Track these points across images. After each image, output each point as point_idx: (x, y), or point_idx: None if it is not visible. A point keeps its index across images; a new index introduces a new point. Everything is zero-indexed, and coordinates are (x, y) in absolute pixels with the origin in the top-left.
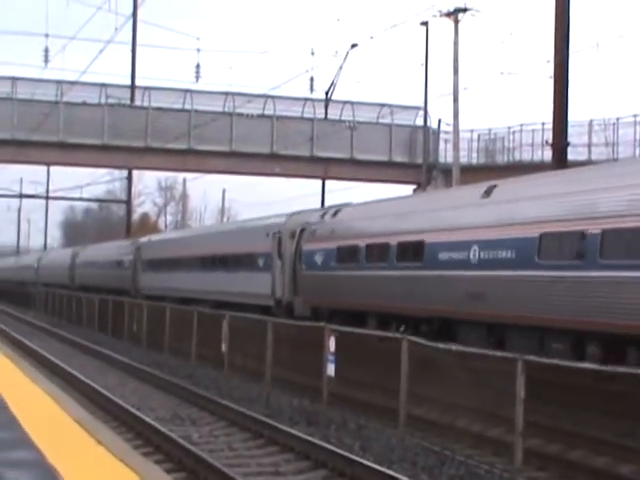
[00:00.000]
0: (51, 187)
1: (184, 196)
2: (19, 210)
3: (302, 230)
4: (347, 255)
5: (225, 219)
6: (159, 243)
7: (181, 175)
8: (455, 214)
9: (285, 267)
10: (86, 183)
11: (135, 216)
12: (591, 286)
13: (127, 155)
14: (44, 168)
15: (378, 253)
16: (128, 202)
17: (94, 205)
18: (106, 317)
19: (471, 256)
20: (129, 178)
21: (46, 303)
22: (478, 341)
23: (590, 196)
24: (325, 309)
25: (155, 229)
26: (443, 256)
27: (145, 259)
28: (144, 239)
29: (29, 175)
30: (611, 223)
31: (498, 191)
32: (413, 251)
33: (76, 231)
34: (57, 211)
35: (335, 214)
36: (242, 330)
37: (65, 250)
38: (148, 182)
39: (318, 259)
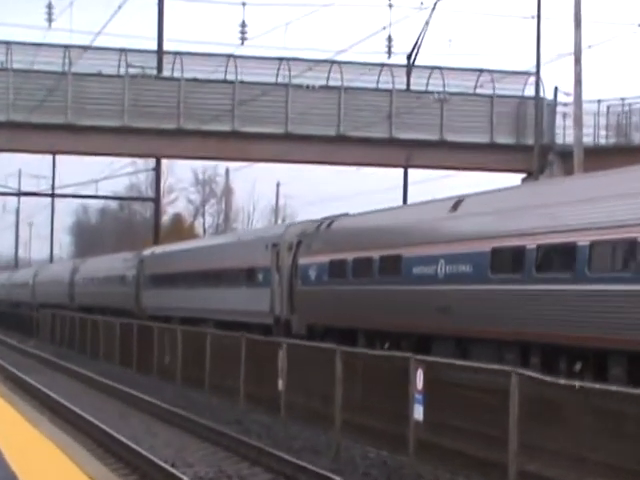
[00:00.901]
0: (58, 182)
1: (227, 191)
2: (17, 211)
3: (299, 242)
4: (338, 269)
5: (280, 220)
6: (162, 256)
7: (223, 165)
8: (426, 228)
9: (283, 282)
10: (103, 176)
11: (165, 218)
12: (528, 299)
13: (154, 140)
14: (49, 158)
15: (363, 267)
16: (156, 200)
17: (113, 204)
18: (130, 346)
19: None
20: (157, 170)
21: (52, 329)
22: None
23: (530, 212)
24: (320, 327)
25: (191, 233)
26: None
27: (148, 274)
28: (147, 251)
29: (30, 167)
30: (546, 238)
31: (464, 205)
32: (392, 265)
33: (90, 237)
34: (66, 212)
35: (329, 225)
36: (302, 361)
37: (64, 264)
38: (181, 174)
39: (312, 273)
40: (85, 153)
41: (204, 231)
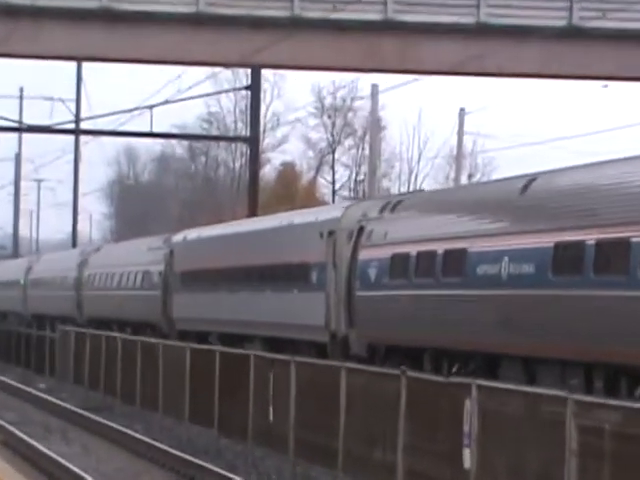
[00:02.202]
0: (85, 111)
1: (373, 125)
2: (17, 159)
3: (360, 229)
4: (400, 268)
5: (464, 177)
6: (195, 244)
7: (367, 80)
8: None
9: (339, 284)
10: (163, 100)
11: (268, 170)
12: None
13: (247, 37)
14: (69, 68)
15: (426, 266)
16: (254, 140)
17: (177, 149)
18: (208, 391)
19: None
20: (253, 87)
21: (76, 359)
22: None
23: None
24: (381, 346)
25: (309, 197)
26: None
27: (178, 271)
28: (178, 236)
29: (37, 85)
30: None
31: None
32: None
33: (140, 205)
34: (100, 162)
35: (395, 206)
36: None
37: (69, 254)
38: (295, 97)
39: (372, 273)
40: (131, 59)
41: (333, 193)
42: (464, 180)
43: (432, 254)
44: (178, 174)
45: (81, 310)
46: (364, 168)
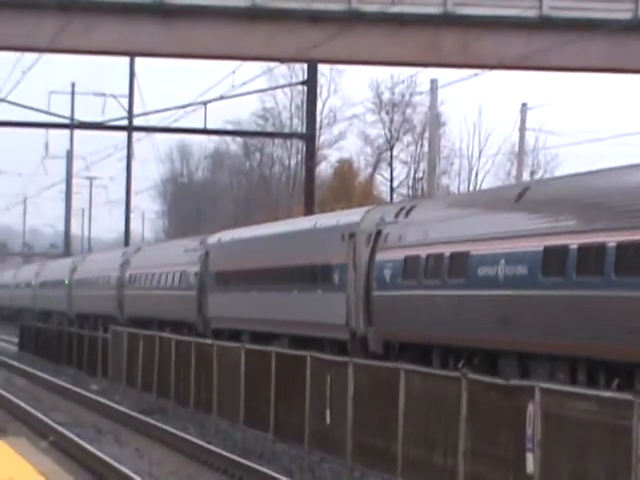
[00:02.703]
0: (138, 107)
1: (432, 121)
2: (69, 156)
3: (378, 232)
4: (411, 269)
5: (527, 174)
6: (228, 246)
7: (426, 75)
8: (489, 220)
9: (359, 285)
10: (218, 96)
11: (324, 167)
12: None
13: (304, 31)
14: (122, 63)
15: (434, 267)
16: (310, 137)
17: (231, 145)
18: (264, 391)
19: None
20: (309, 83)
21: (130, 361)
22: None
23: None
24: (395, 343)
25: (366, 194)
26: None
27: (213, 272)
28: (213, 238)
29: (89, 79)
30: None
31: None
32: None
33: (195, 203)
34: (153, 159)
35: (409, 211)
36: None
37: (112, 254)
38: (352, 92)
39: (387, 274)
40: (184, 55)
41: (391, 190)
42: (526, 177)
43: (440, 256)
44: (232, 171)
45: (122, 309)
46: (423, 165)
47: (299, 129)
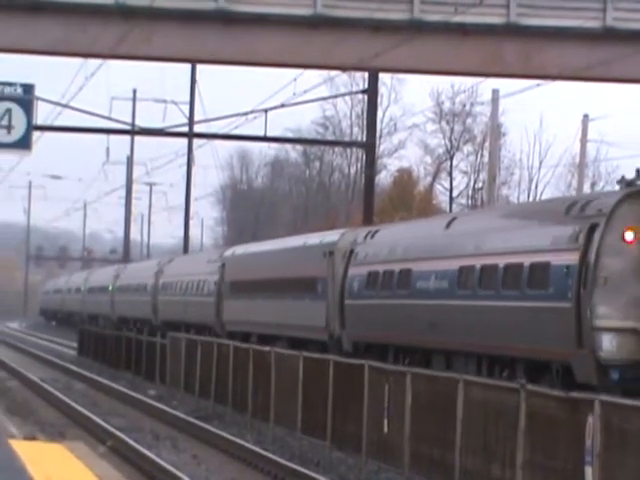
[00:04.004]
0: (199, 114)
1: (493, 131)
2: (129, 163)
3: (351, 251)
4: (372, 282)
5: (587, 186)
6: (240, 258)
7: (488, 85)
8: (424, 243)
9: (335, 295)
10: (279, 103)
11: (384, 176)
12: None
13: (365, 41)
14: (183, 70)
15: (388, 281)
16: (370, 146)
17: (291, 153)
18: (322, 397)
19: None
20: (369, 92)
21: (187, 366)
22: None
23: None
24: (361, 343)
25: (426, 204)
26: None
27: (228, 280)
28: (229, 251)
29: (151, 86)
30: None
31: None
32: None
33: (253, 210)
34: (212, 167)
35: (373, 235)
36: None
37: (148, 264)
38: (412, 101)
39: (355, 286)
40: (245, 62)
41: (450, 200)
42: (587, 189)
43: (391, 272)
44: (292, 179)
45: (156, 314)
46: (483, 175)
47: (359, 138)
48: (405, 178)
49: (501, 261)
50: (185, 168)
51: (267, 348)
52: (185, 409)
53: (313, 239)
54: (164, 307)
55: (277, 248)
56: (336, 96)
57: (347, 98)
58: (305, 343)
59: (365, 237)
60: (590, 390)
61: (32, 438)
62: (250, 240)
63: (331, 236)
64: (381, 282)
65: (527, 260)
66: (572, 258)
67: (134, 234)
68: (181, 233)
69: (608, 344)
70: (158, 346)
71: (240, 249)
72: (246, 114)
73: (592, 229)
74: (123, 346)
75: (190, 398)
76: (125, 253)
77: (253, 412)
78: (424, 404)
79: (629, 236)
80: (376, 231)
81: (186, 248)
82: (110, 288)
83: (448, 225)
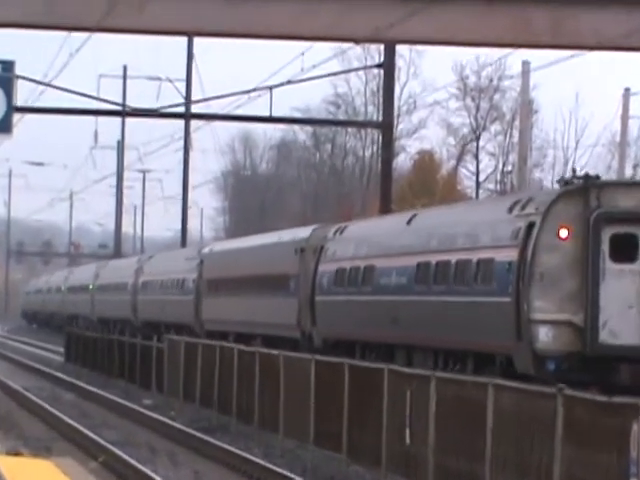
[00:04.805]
0: (196, 92)
1: (524, 106)
2: (120, 148)
3: (321, 248)
4: (340, 279)
5: (628, 169)
6: (218, 255)
7: (515, 55)
8: (386, 240)
9: (306, 292)
10: (285, 80)
11: (403, 159)
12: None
13: (380, 9)
14: (179, 44)
15: (353, 278)
16: (386, 125)
17: (299, 135)
18: (337, 401)
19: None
20: (386, 66)
21: (187, 371)
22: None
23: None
24: (330, 340)
25: (449, 190)
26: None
27: (206, 278)
28: (207, 248)
29: (143, 63)
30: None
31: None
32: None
33: (259, 199)
34: (213, 151)
35: (342, 231)
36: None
37: (128, 261)
38: (433, 75)
39: (324, 282)
40: (247, 35)
41: (477, 185)
42: (629, 171)
43: (357, 269)
44: (300, 164)
45: (136, 313)
46: (512, 157)
47: (374, 117)
48: (426, 161)
49: (453, 257)
50: (182, 153)
51: (275, 351)
52: (184, 420)
53: (286, 236)
54: (144, 307)
55: (253, 245)
56: (349, 71)
57: (361, 73)
58: (279, 341)
59: (334, 233)
60: (530, 381)
61: (16, 453)
62: (255, 232)
63: (302, 232)
64: (348, 278)
65: (475, 257)
66: (513, 255)
67: (126, 227)
68: (178, 225)
69: (544, 336)
70: (154, 350)
71: (218, 246)
72: (249, 92)
73: (530, 227)
74: (115, 351)
75: (190, 407)
76: (116, 248)
77: (260, 422)
78: (450, 411)
79: (563, 233)
80: (345, 227)
81: (184, 241)
82: (91, 287)
83: (409, 222)
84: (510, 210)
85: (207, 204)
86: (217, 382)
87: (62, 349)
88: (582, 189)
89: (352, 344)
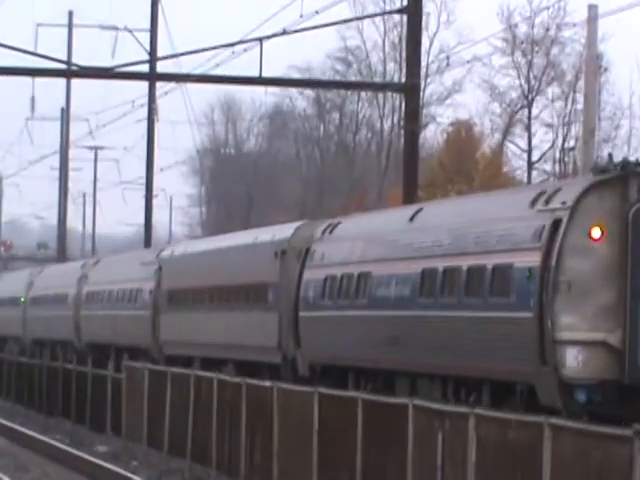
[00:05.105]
0: (162, 48)
1: (591, 63)
2: (63, 116)
3: (307, 250)
4: (330, 289)
5: None
6: (181, 260)
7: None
8: (384, 241)
9: (289, 305)
10: (279, 30)
11: (432, 132)
12: None
13: None
14: None
15: (347, 288)
16: (409, 88)
17: (300, 100)
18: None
19: None
20: (410, 10)
21: (152, 408)
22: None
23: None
24: (318, 365)
25: (494, 170)
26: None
27: (165, 289)
28: (167, 251)
29: (94, 9)
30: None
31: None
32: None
33: (241, 182)
34: (185, 123)
35: (333, 229)
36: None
37: (68, 267)
38: (471, 22)
39: (311, 294)
40: None
41: (529, 166)
42: None
43: (350, 276)
44: (299, 139)
45: (79, 333)
46: (576, 129)
47: (396, 78)
48: (463, 135)
49: (464, 263)
50: (145, 124)
51: (267, 383)
52: (150, 472)
53: (263, 235)
54: (88, 325)
55: (222, 246)
56: (362, 18)
57: (378, 21)
58: (255, 368)
59: (323, 232)
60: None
61: None
62: (240, 228)
63: (284, 231)
64: (339, 289)
65: (490, 262)
66: (535, 259)
67: (73, 221)
68: (141, 219)
69: (573, 360)
70: (109, 381)
71: (180, 248)
72: (233, 45)
73: (556, 225)
74: (60, 382)
75: (156, 456)
76: (60, 249)
77: (248, 475)
78: (494, 458)
79: (596, 233)
80: (336, 224)
81: (148, 240)
82: (22, 300)
83: (412, 218)
84: (532, 204)
85: (178, 191)
86: (191, 422)
87: None
88: (619, 178)
89: (344, 370)
